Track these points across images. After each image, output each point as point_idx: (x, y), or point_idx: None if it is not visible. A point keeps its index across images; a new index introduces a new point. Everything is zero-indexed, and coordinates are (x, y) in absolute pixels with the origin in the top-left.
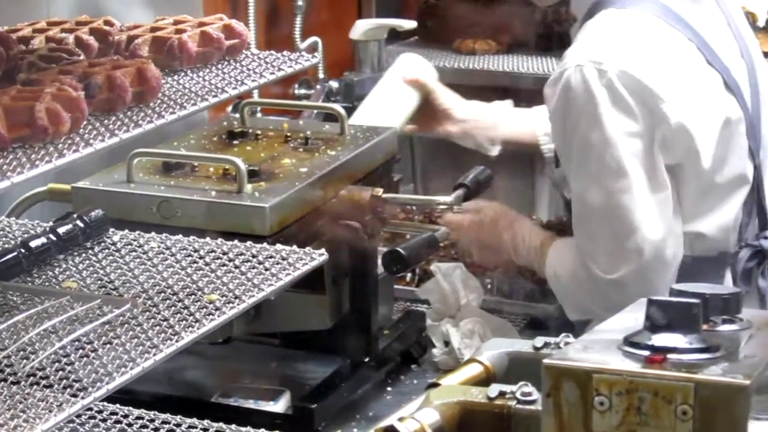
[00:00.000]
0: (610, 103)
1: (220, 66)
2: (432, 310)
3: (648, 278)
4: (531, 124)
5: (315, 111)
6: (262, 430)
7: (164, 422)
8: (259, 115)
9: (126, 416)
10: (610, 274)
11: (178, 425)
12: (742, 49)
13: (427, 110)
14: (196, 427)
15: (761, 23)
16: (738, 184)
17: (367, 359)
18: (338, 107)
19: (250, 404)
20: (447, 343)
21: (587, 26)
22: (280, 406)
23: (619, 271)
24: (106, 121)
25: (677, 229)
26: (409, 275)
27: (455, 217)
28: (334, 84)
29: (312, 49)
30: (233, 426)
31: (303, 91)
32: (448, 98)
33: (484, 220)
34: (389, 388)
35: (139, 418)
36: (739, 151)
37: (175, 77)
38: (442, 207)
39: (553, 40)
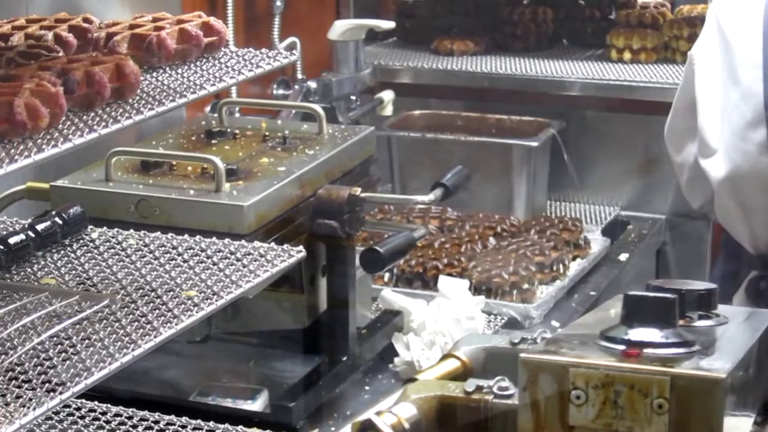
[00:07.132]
0: None
1: (198, 63)
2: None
3: None
4: None
5: (293, 111)
6: (240, 427)
7: (142, 419)
8: (237, 114)
9: (104, 413)
10: None
11: (156, 422)
12: None
13: None
14: (174, 425)
15: None
16: None
17: (344, 358)
18: (316, 107)
19: (228, 403)
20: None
21: None
22: (257, 404)
23: None
24: (84, 117)
25: None
26: (386, 274)
27: None
28: (312, 84)
29: (290, 49)
30: (210, 423)
31: (281, 91)
32: None
33: None
34: (367, 387)
35: (117, 415)
36: None
37: (154, 74)
38: (419, 206)
39: (531, 40)
